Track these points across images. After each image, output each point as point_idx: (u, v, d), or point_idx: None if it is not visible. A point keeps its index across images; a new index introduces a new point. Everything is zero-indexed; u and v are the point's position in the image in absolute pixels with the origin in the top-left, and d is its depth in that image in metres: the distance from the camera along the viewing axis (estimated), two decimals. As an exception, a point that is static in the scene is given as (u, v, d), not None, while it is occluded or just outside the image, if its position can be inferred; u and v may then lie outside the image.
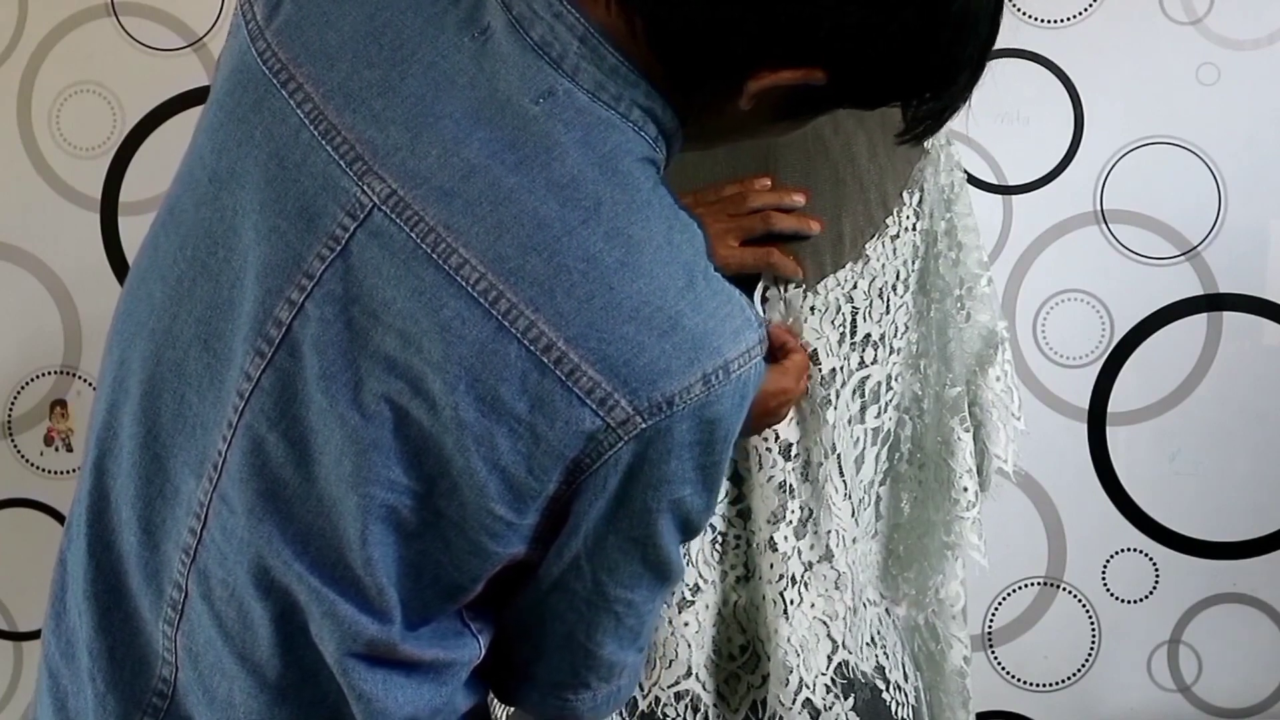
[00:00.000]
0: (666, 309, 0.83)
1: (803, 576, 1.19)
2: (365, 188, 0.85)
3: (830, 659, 1.20)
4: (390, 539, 0.87)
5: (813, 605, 1.20)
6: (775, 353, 1.16)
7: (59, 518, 2.20)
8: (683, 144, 0.93)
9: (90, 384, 2.17)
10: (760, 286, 1.16)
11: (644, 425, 0.83)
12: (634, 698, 1.20)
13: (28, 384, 2.19)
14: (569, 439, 0.83)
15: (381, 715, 0.91)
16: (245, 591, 0.90)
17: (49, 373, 2.18)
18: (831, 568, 1.21)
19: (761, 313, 1.16)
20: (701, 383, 0.83)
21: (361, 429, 0.85)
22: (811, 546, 1.20)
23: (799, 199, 1.15)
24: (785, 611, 1.18)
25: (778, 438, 1.17)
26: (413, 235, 0.83)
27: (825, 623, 1.20)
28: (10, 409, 2.19)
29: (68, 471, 2.19)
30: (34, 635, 2.23)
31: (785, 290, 1.16)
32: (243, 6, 0.93)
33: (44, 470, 2.20)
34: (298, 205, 0.86)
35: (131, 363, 0.94)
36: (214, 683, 0.93)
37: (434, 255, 0.83)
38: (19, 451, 2.20)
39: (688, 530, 0.90)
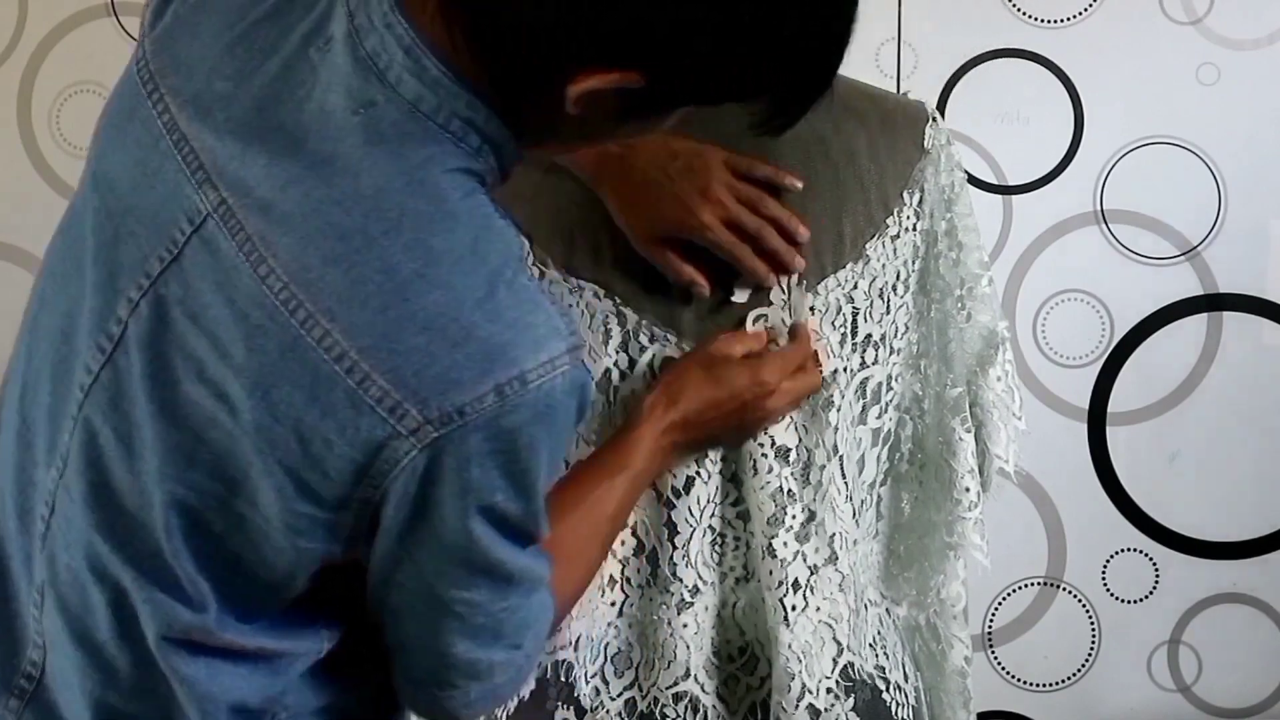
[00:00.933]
0: (461, 320, 0.85)
1: (808, 580, 1.19)
2: (203, 196, 0.89)
3: (836, 661, 1.20)
4: (195, 535, 0.91)
5: (818, 609, 1.20)
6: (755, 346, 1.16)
7: (59, 518, 2.20)
8: (526, 149, 0.94)
9: (90, 384, 2.17)
10: (754, 285, 1.16)
11: (435, 434, 0.85)
12: (633, 698, 1.20)
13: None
14: (361, 445, 0.85)
15: (205, 700, 0.94)
16: (84, 578, 0.93)
17: (49, 373, 2.18)
18: (836, 570, 1.21)
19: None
20: (494, 393, 0.84)
21: (169, 429, 0.89)
22: (816, 550, 1.19)
23: (796, 184, 1.14)
24: (786, 618, 1.18)
25: (774, 442, 1.17)
26: (234, 243, 0.87)
27: (831, 625, 1.20)
28: (10, 409, 2.19)
29: (68, 471, 2.19)
30: (34, 635, 2.23)
31: (788, 292, 1.16)
32: (143, 13, 0.98)
33: (44, 470, 2.20)
34: (151, 210, 0.91)
35: (18, 355, 1.00)
36: (64, 666, 0.96)
37: (248, 263, 0.87)
38: (19, 451, 2.20)
39: (517, 533, 0.91)
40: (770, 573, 1.18)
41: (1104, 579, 2.27)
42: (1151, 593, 2.27)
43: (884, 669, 1.24)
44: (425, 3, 0.88)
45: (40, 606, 0.96)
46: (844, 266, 1.17)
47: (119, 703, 0.95)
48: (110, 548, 0.92)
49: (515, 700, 1.23)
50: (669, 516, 1.19)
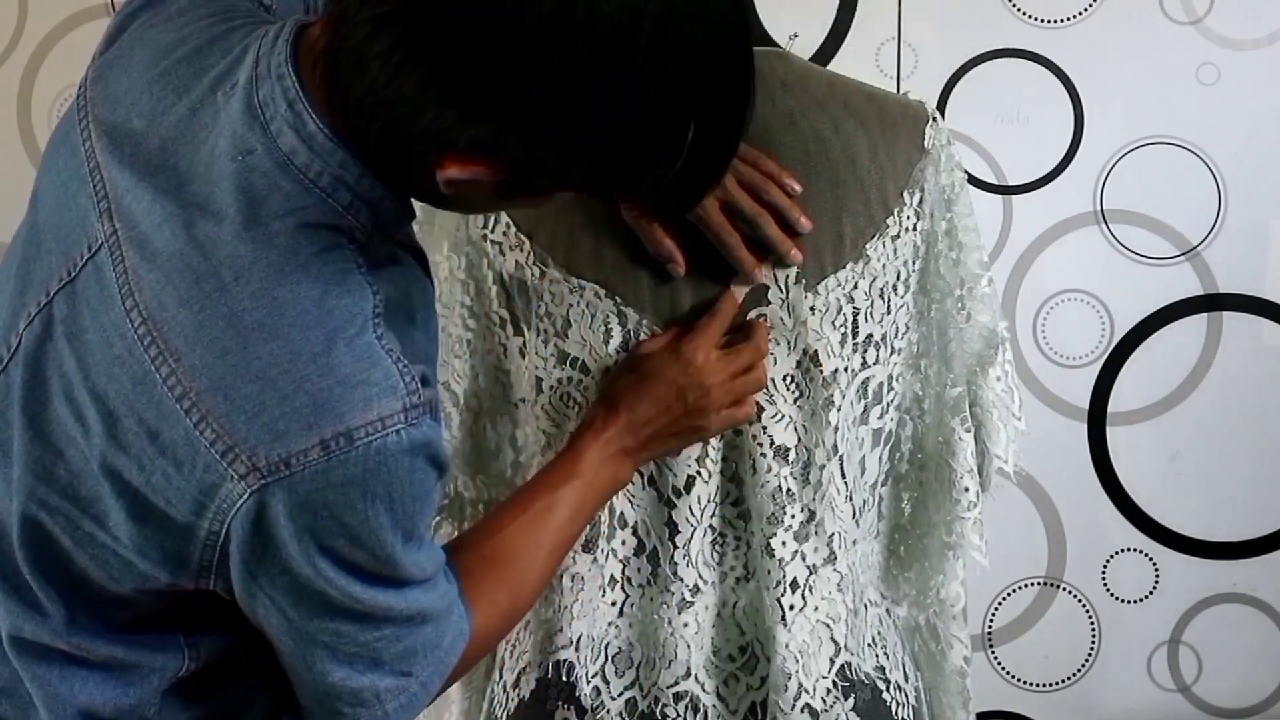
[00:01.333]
0: (293, 373, 0.87)
1: (806, 580, 1.19)
2: (102, 224, 0.92)
3: (833, 661, 1.20)
4: (45, 548, 0.94)
5: (816, 609, 1.20)
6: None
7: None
8: (411, 209, 0.96)
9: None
10: (754, 284, 1.16)
11: (264, 481, 0.87)
12: (634, 697, 1.20)
13: None
14: (197, 484, 0.88)
15: (54, 700, 0.97)
16: None
17: (49, 373, 2.18)
18: (834, 570, 1.21)
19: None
20: (320, 448, 0.86)
21: (34, 443, 0.93)
22: (815, 549, 1.20)
23: (795, 186, 1.14)
24: (783, 618, 1.18)
25: (774, 441, 1.17)
26: (115, 274, 0.91)
27: (829, 625, 1.20)
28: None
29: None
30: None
31: (787, 291, 1.16)
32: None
33: (44, 470, 2.20)
34: (64, 232, 0.95)
35: None
36: None
37: (119, 295, 0.90)
38: (19, 451, 2.20)
39: (369, 575, 0.92)
40: (769, 572, 1.18)
41: (1104, 579, 2.27)
42: (1151, 593, 2.27)
43: (884, 669, 1.24)
44: (315, 61, 0.90)
45: None
46: (844, 266, 1.17)
47: None
48: None
49: (516, 699, 1.23)
50: (669, 516, 1.19)
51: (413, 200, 0.96)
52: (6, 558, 0.96)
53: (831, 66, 1.93)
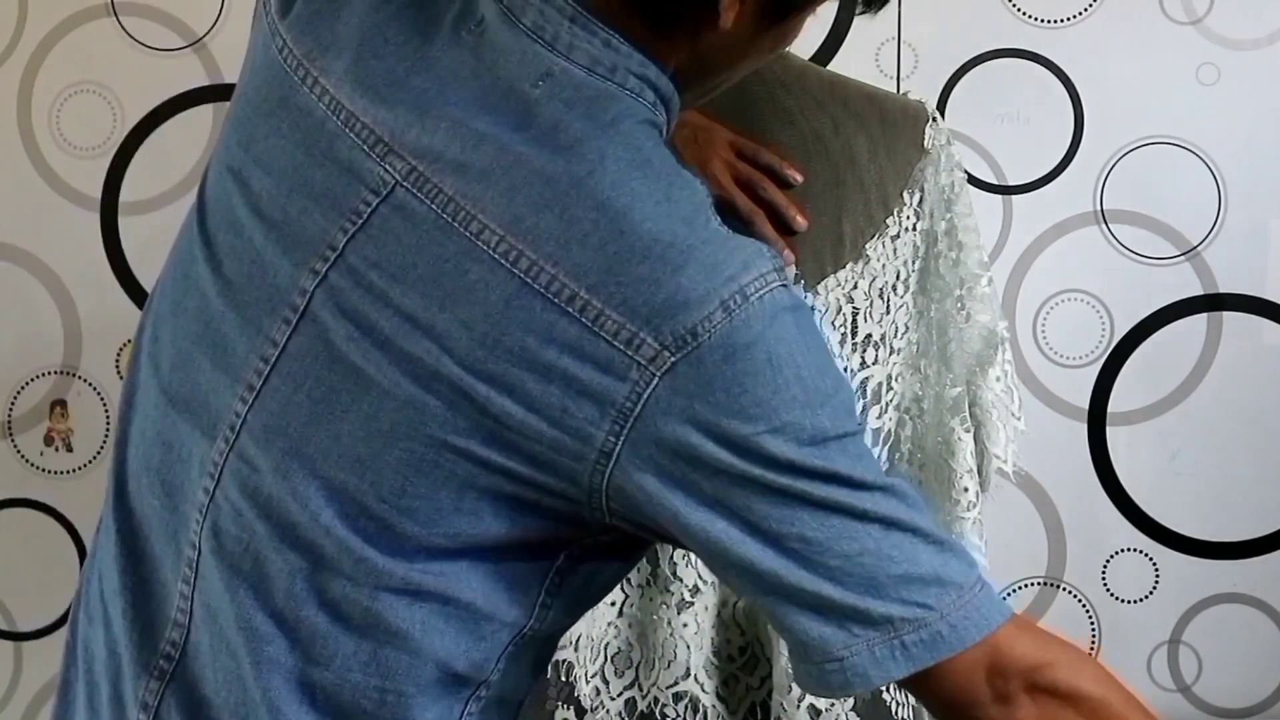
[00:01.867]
0: (677, 244, 0.85)
1: (803, 577, 1.19)
2: (387, 167, 0.90)
3: (831, 660, 1.20)
4: (436, 490, 0.89)
5: (814, 606, 1.20)
6: None
7: (59, 518, 2.20)
8: (685, 103, 0.96)
9: (90, 384, 2.17)
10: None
11: (673, 359, 0.84)
12: (633, 698, 1.20)
13: (28, 384, 2.19)
14: (603, 383, 0.85)
15: (415, 656, 0.92)
16: (266, 546, 0.92)
17: (49, 373, 2.18)
18: (832, 568, 1.21)
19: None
20: (721, 309, 0.85)
21: (394, 386, 0.88)
22: (812, 547, 1.19)
23: (797, 176, 1.14)
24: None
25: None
26: (433, 206, 0.88)
27: (826, 623, 1.20)
28: (10, 409, 2.19)
29: (68, 471, 2.19)
30: (34, 635, 2.23)
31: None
32: (262, 3, 0.99)
33: (44, 470, 2.20)
34: (324, 188, 0.92)
35: (161, 339, 0.99)
36: (217, 643, 0.94)
37: (455, 224, 0.87)
38: (19, 451, 2.20)
39: (803, 472, 0.85)
40: (770, 572, 1.18)
41: (1104, 579, 2.27)
42: (1151, 593, 2.27)
43: (884, 669, 1.24)
44: None
45: (192, 582, 0.95)
46: (844, 266, 1.17)
47: (321, 676, 0.93)
48: (311, 512, 0.91)
49: (515, 700, 1.23)
50: (669, 516, 1.19)
51: None
52: (371, 515, 0.90)
53: (831, 66, 1.93)
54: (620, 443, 0.86)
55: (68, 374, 2.18)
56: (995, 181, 2.15)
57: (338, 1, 0.96)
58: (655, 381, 0.84)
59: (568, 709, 1.19)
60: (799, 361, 0.86)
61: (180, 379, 0.97)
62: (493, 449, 0.88)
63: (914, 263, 1.21)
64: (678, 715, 1.19)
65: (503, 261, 0.86)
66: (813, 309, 0.91)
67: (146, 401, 0.99)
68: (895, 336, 1.22)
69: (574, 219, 0.86)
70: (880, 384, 1.22)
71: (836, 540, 0.86)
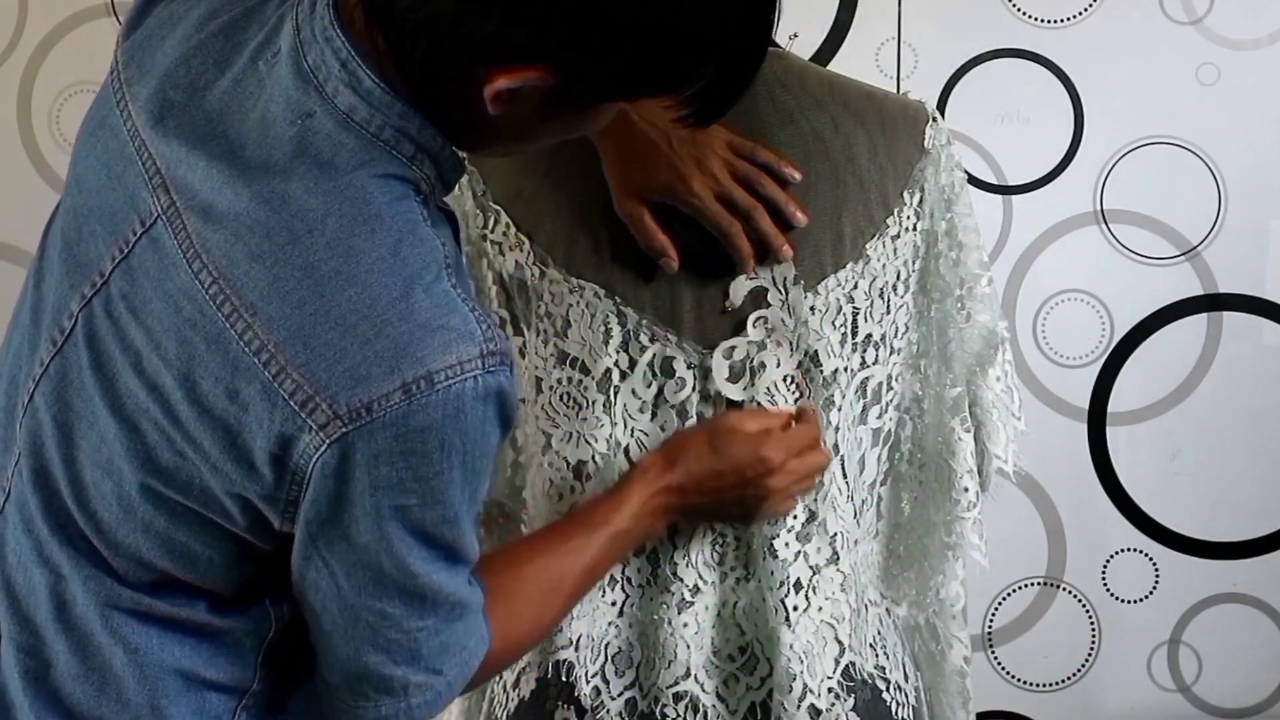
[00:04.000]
0: (373, 318, 0.87)
1: (810, 581, 1.19)
2: (155, 198, 0.92)
3: (838, 661, 1.20)
4: (156, 515, 0.94)
5: (820, 609, 1.20)
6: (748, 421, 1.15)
7: (59, 518, 2.20)
8: (481, 155, 0.98)
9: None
10: (753, 285, 1.16)
11: (345, 429, 0.86)
12: (634, 698, 1.20)
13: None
14: (276, 438, 0.88)
15: (152, 668, 0.96)
16: (28, 560, 0.97)
17: (49, 373, 2.18)
18: (838, 570, 1.21)
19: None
20: (401, 391, 0.86)
21: (115, 421, 0.92)
22: (818, 549, 1.19)
23: (795, 174, 1.14)
24: (787, 618, 1.18)
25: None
26: (176, 242, 0.91)
27: (833, 625, 1.20)
28: (10, 409, 2.19)
29: (68, 471, 2.19)
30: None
31: (787, 292, 1.16)
32: (123, 23, 1.03)
33: (44, 470, 2.20)
34: (110, 212, 0.95)
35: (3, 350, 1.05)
36: (9, 651, 0.98)
37: (185, 261, 0.90)
38: (19, 451, 2.20)
39: (436, 544, 0.92)
40: (772, 573, 1.18)
41: (1104, 579, 2.27)
42: (1151, 593, 2.27)
43: (884, 669, 1.24)
44: (354, 15, 0.90)
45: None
46: (844, 266, 1.17)
47: (61, 687, 0.97)
48: (49, 530, 0.96)
49: (516, 699, 1.23)
50: (669, 516, 1.19)
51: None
52: (96, 534, 0.95)
53: (831, 66, 1.93)
54: (293, 492, 0.89)
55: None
56: (995, 181, 2.15)
57: (164, 30, 0.98)
58: (324, 448, 0.87)
59: (568, 709, 1.19)
60: (470, 449, 0.89)
61: (4, 391, 1.03)
62: (184, 495, 0.92)
63: (914, 263, 1.22)
64: (678, 715, 1.19)
65: (211, 303, 0.88)
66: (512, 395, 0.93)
67: None
68: (895, 336, 1.22)
69: (281, 275, 0.87)
70: (880, 384, 1.22)
71: (406, 619, 0.94)
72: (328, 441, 0.87)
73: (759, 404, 1.16)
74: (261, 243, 0.88)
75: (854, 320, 1.18)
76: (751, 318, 1.16)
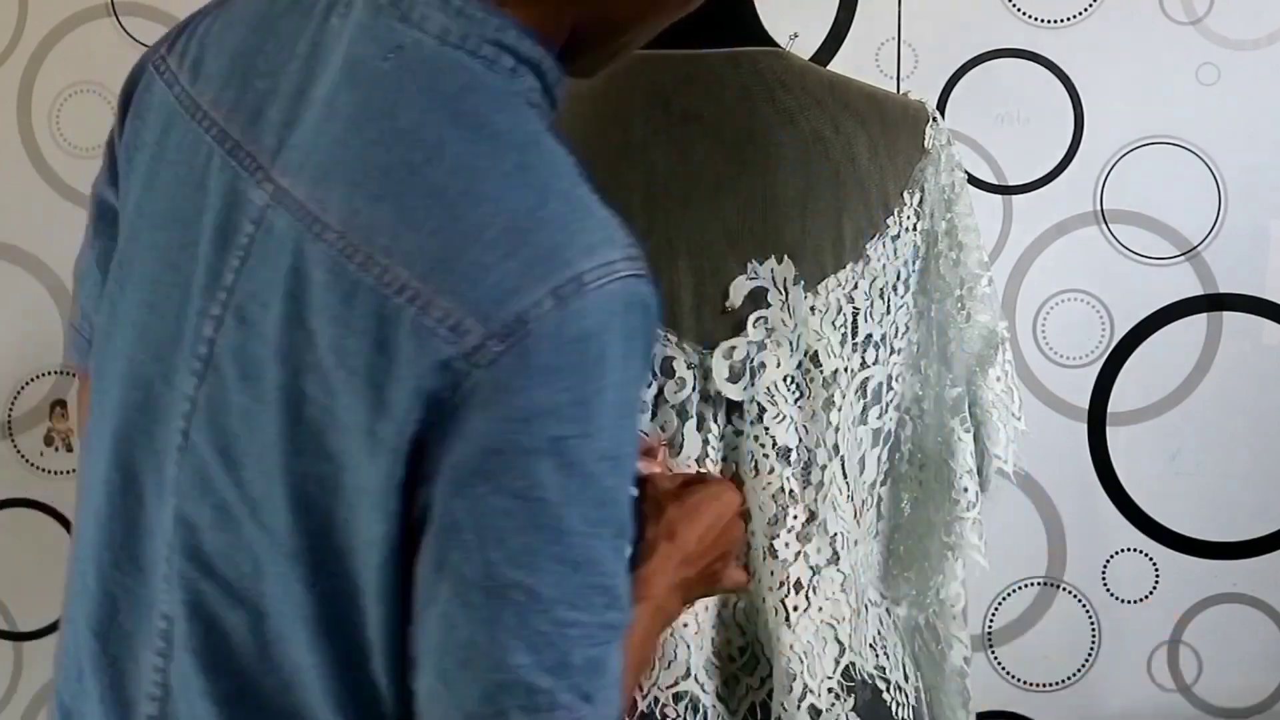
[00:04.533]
0: (513, 229, 0.82)
1: (810, 581, 1.19)
2: (261, 192, 0.89)
3: (838, 662, 1.20)
4: (311, 519, 0.87)
5: (820, 609, 1.20)
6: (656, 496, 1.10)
7: (59, 518, 2.20)
8: (581, 67, 0.94)
9: (90, 384, 2.17)
10: (753, 285, 1.16)
11: (498, 349, 0.80)
12: (634, 698, 1.20)
13: (28, 384, 2.19)
14: (427, 371, 0.81)
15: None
16: (216, 605, 0.91)
17: (49, 373, 2.18)
18: (838, 570, 1.21)
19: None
20: (551, 296, 0.81)
21: (277, 420, 0.87)
22: (819, 550, 1.20)
23: None
24: (787, 619, 1.18)
25: (775, 442, 1.17)
26: (292, 219, 0.87)
27: (833, 625, 1.20)
28: (10, 409, 2.19)
29: (68, 471, 2.19)
30: (34, 635, 2.23)
31: (787, 293, 1.16)
32: (152, 63, 1.01)
33: (44, 470, 2.20)
34: (215, 224, 0.91)
35: (106, 405, 0.99)
36: (195, 713, 0.93)
37: (308, 231, 0.86)
38: (19, 451, 2.20)
39: (593, 491, 0.83)
40: (772, 573, 1.18)
41: (1104, 579, 2.27)
42: (1151, 593, 2.27)
43: (884, 669, 1.24)
44: None
45: (167, 654, 0.94)
46: (844, 266, 1.17)
47: None
48: (234, 575, 0.90)
49: None
50: (669, 516, 1.19)
51: None
52: (276, 557, 0.89)
53: (831, 66, 1.93)
54: (438, 434, 0.82)
55: (68, 374, 2.18)
56: (995, 181, 2.15)
57: (223, 36, 0.96)
58: (477, 372, 0.81)
59: (568, 709, 1.19)
60: (625, 366, 0.83)
61: (131, 442, 0.97)
62: (360, 477, 0.85)
63: (914, 263, 1.22)
64: (678, 715, 1.19)
65: (340, 257, 0.84)
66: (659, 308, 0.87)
67: (89, 476, 1.00)
68: (895, 336, 1.22)
69: (408, 208, 0.83)
70: (880, 384, 1.22)
71: (559, 604, 0.82)
72: (480, 365, 0.80)
73: (759, 404, 1.16)
74: (381, 183, 0.84)
75: (854, 320, 1.18)
76: (751, 318, 1.16)
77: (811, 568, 1.19)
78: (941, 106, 2.11)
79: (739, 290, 1.16)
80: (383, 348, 0.83)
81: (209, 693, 0.92)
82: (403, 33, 0.88)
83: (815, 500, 1.19)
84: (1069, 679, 2.30)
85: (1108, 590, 2.27)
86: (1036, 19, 2.12)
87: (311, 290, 0.85)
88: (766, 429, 1.17)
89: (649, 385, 0.88)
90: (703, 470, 1.16)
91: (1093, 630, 2.28)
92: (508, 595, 0.82)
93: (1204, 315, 2.18)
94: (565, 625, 0.82)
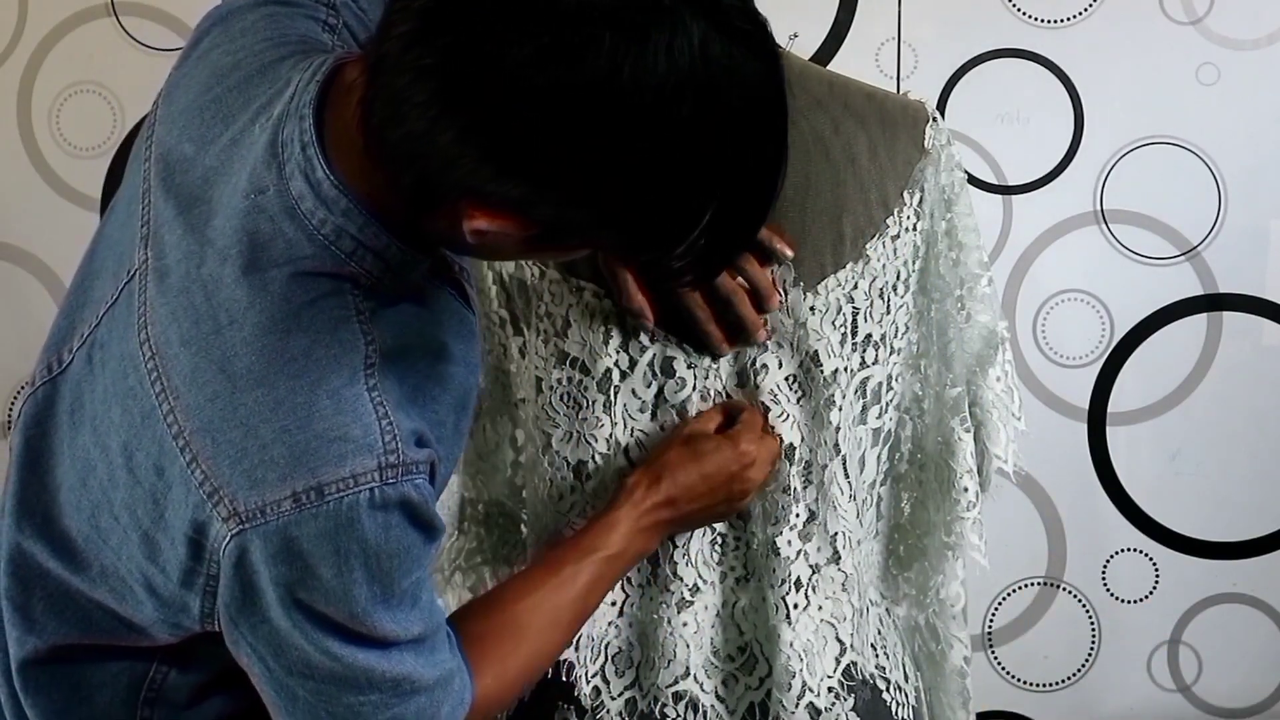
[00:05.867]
0: (274, 421, 0.87)
1: (809, 580, 1.19)
2: (140, 252, 0.94)
3: (839, 661, 1.20)
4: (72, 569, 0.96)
5: (820, 608, 1.20)
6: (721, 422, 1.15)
7: (59, 518, 2.20)
8: (426, 251, 0.95)
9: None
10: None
11: (242, 526, 0.87)
12: (634, 697, 1.20)
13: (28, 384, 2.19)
14: (188, 519, 0.89)
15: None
16: None
17: (49, 373, 2.18)
18: (839, 569, 1.21)
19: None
20: (291, 499, 0.87)
21: (71, 470, 0.95)
22: (819, 549, 1.19)
23: (788, 251, 1.14)
24: (788, 616, 1.18)
25: (781, 441, 1.17)
26: (136, 305, 0.92)
27: (834, 625, 1.20)
28: (10, 409, 2.19)
29: (68, 471, 2.19)
30: (34, 635, 2.23)
31: (786, 294, 1.16)
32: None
33: (44, 470, 2.20)
34: (118, 251, 0.97)
35: None
36: None
37: (136, 327, 0.92)
38: (19, 451, 2.20)
39: (348, 633, 0.92)
40: (773, 571, 1.18)
41: (1104, 579, 2.27)
42: (1151, 593, 2.27)
43: (884, 669, 1.24)
44: (348, 102, 0.88)
45: None
46: (844, 266, 1.17)
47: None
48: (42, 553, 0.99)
49: (516, 700, 1.23)
50: (669, 516, 1.19)
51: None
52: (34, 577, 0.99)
53: (831, 66, 1.93)
54: (210, 573, 0.91)
55: (68, 374, 2.18)
56: (995, 181, 2.15)
57: (193, 73, 0.99)
58: (228, 538, 0.88)
59: (568, 709, 1.19)
60: (370, 555, 0.89)
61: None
62: (121, 557, 0.95)
63: (914, 263, 1.21)
64: (678, 715, 1.19)
65: (148, 378, 0.90)
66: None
67: None
68: (895, 336, 1.22)
69: (199, 366, 0.88)
70: (880, 384, 1.22)
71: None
72: (230, 534, 0.88)
73: (763, 404, 1.16)
74: (191, 328, 0.89)
75: (854, 320, 1.18)
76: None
77: (812, 567, 1.19)
78: (941, 106, 2.11)
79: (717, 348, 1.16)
80: (161, 475, 0.90)
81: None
82: (272, 178, 0.90)
83: (816, 499, 1.19)
84: (1069, 679, 2.30)
85: (1108, 590, 2.27)
86: (1036, 19, 2.12)
87: (123, 389, 0.92)
88: (771, 428, 1.17)
89: (412, 574, 0.95)
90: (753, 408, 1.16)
91: (1093, 630, 2.28)
92: (296, 694, 0.94)
93: (1204, 315, 2.18)
94: (356, 706, 0.94)
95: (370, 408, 0.89)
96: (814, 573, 1.19)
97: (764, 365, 1.16)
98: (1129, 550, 2.26)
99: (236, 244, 0.89)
